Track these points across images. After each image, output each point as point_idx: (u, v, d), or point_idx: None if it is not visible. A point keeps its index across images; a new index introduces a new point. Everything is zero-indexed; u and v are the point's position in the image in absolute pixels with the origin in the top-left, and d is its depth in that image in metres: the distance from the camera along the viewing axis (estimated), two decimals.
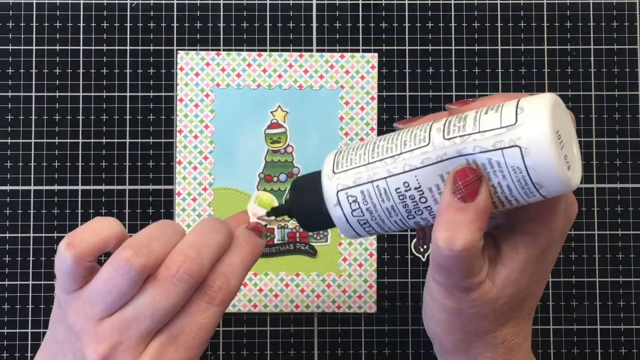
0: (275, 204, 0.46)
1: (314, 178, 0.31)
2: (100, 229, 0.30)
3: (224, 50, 0.48)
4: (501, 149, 0.26)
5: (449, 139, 0.27)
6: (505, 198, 0.28)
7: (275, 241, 0.47)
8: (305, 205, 0.31)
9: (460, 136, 0.27)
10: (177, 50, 0.48)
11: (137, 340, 0.29)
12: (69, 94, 0.48)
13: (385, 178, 0.29)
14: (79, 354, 0.29)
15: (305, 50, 0.48)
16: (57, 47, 0.48)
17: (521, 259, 0.30)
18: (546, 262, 0.31)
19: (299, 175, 0.47)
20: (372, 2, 0.49)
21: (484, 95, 0.48)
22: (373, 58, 0.48)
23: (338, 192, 0.30)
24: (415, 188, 0.28)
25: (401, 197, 0.29)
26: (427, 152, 0.28)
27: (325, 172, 0.30)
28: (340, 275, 0.47)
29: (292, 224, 0.47)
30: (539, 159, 0.26)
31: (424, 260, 0.47)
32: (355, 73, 0.48)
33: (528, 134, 0.26)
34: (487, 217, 0.28)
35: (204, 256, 0.30)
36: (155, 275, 0.29)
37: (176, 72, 0.48)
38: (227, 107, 0.47)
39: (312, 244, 0.47)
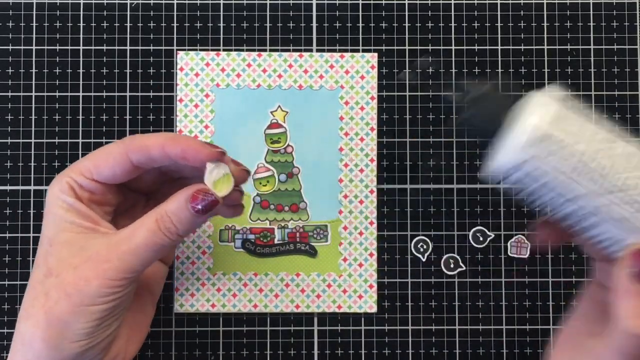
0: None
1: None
2: None
3: (224, 50, 0.48)
4: None
5: None
6: None
7: (275, 241, 0.47)
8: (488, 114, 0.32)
9: None
10: (177, 50, 0.48)
11: None
12: (69, 94, 0.48)
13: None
14: None
15: (305, 50, 0.48)
16: (57, 47, 0.48)
17: None
18: None
19: (299, 175, 0.47)
20: (372, 2, 0.49)
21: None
22: (373, 58, 0.48)
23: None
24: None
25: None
26: None
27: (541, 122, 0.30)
28: (340, 275, 0.47)
29: (292, 223, 0.47)
30: None
31: (424, 260, 0.47)
32: (355, 73, 0.48)
33: None
34: None
35: None
36: None
37: (176, 72, 0.48)
38: (227, 108, 0.47)
39: (313, 243, 0.47)
